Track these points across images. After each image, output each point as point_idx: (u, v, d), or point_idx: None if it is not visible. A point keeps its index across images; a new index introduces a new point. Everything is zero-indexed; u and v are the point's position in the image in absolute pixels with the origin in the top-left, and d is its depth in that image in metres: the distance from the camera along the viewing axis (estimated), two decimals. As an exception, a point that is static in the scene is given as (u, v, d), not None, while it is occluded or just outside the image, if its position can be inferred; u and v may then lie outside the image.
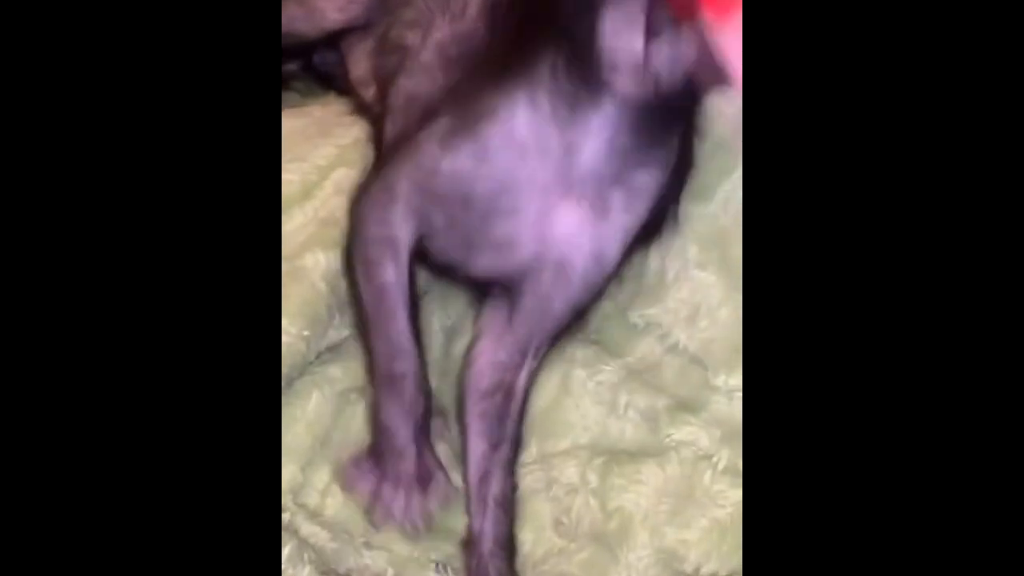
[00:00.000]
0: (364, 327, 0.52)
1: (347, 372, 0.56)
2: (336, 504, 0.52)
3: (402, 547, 0.52)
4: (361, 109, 0.63)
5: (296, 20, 0.62)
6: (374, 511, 0.51)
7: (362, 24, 0.63)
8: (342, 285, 0.54)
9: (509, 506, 0.51)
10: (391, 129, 0.57)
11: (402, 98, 0.58)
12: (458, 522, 0.52)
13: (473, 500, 0.51)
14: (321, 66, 0.69)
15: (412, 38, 0.58)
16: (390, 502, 0.50)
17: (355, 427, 0.54)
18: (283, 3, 0.61)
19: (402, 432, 0.50)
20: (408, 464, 0.50)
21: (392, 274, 0.50)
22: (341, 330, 0.56)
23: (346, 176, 0.56)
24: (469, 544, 0.51)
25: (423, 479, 0.50)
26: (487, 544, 0.50)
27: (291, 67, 0.67)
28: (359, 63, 0.63)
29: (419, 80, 0.57)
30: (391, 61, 0.60)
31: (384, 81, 0.60)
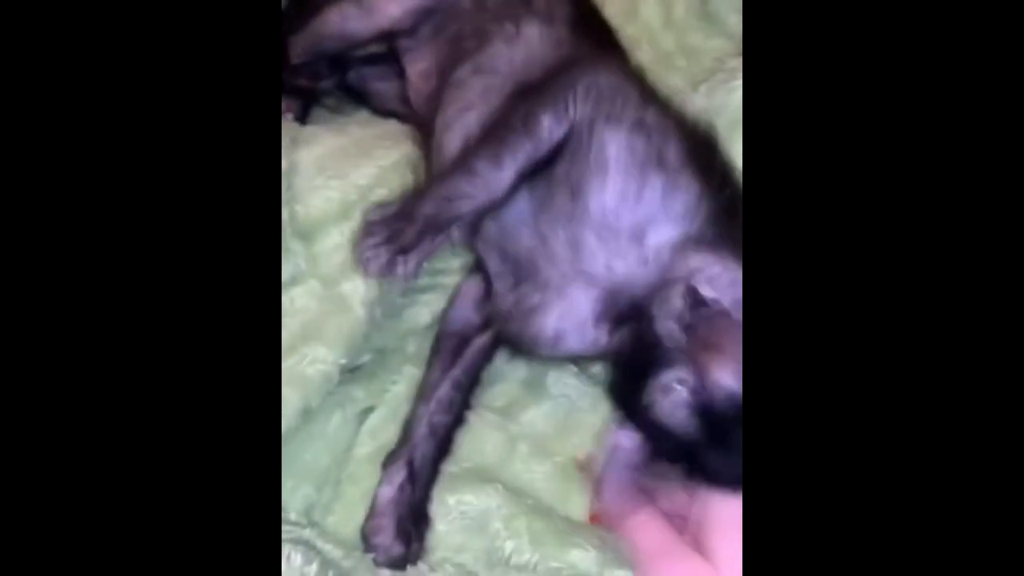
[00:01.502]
0: None
1: (369, 393, 0.57)
2: (351, 523, 0.53)
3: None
4: (405, 115, 0.63)
5: (351, 19, 0.62)
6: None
7: (418, 25, 0.64)
8: (377, 310, 0.55)
9: (445, 437, 0.56)
10: (447, 145, 0.58)
11: (477, 94, 0.58)
12: (473, 540, 0.54)
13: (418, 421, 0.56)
14: (356, 82, 0.69)
15: (498, 27, 0.59)
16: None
17: (373, 444, 0.55)
18: (339, 2, 0.62)
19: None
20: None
21: None
22: (364, 353, 0.57)
23: (385, 197, 0.57)
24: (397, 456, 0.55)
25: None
26: (416, 462, 0.54)
27: (325, 84, 0.68)
28: (422, 56, 0.63)
29: (497, 76, 0.58)
30: (468, 45, 0.60)
31: (449, 72, 0.60)
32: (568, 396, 0.57)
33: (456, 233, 0.53)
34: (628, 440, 0.49)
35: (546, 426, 0.57)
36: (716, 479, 0.46)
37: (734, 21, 0.66)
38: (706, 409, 0.44)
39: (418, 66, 0.63)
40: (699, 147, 0.51)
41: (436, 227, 0.51)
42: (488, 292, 0.56)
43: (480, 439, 0.56)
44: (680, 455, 0.46)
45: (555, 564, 0.51)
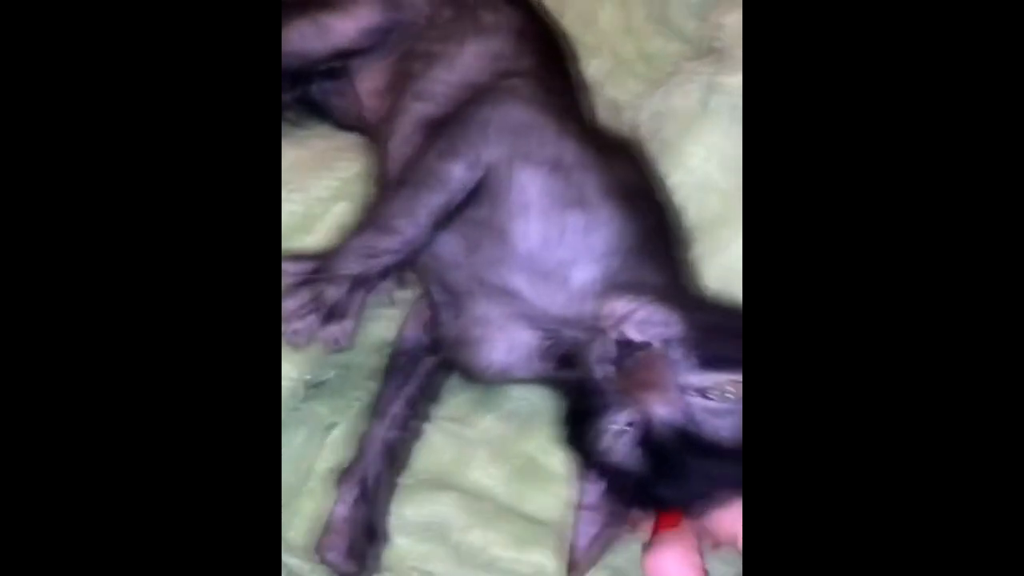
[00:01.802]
0: None
1: (333, 409, 0.57)
2: (310, 536, 0.53)
3: None
4: (363, 129, 0.63)
5: (307, 38, 0.62)
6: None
7: (374, 45, 0.63)
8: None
9: (399, 454, 0.56)
10: (396, 154, 0.58)
11: (412, 123, 0.58)
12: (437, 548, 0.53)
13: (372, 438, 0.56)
14: (318, 95, 0.69)
15: (441, 48, 0.59)
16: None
17: (334, 460, 0.55)
18: (294, 22, 0.61)
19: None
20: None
21: None
22: (328, 369, 0.57)
23: (347, 210, 0.57)
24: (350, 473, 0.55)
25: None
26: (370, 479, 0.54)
27: (285, 97, 0.68)
28: (373, 76, 0.63)
29: (432, 103, 0.58)
30: (414, 68, 0.60)
31: (398, 94, 0.60)
32: (528, 399, 0.58)
33: (388, 285, 0.53)
34: (592, 495, 0.49)
35: (505, 429, 0.57)
36: (667, 505, 0.47)
37: (692, 26, 0.66)
38: (656, 445, 0.44)
39: (368, 85, 0.63)
40: (622, 173, 0.51)
41: (363, 284, 0.51)
42: (434, 317, 0.56)
43: (437, 449, 0.56)
44: (635, 491, 0.47)
45: (518, 565, 0.52)
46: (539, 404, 0.57)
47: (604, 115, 0.66)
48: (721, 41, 0.56)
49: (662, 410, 0.44)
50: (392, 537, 0.54)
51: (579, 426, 0.48)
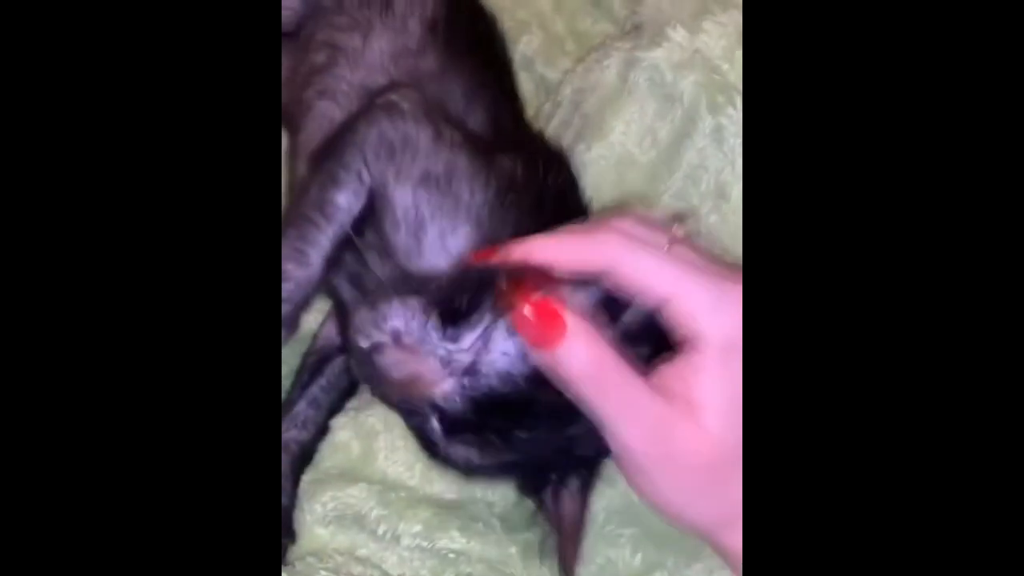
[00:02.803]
0: None
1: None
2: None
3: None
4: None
5: None
6: None
7: (291, 30, 0.62)
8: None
9: (300, 454, 0.55)
10: (304, 152, 0.56)
11: (317, 122, 0.57)
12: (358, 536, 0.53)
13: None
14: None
15: (346, 41, 0.57)
16: None
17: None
18: None
19: None
20: None
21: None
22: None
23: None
24: None
25: None
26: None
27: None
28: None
29: (334, 104, 0.56)
30: (318, 59, 0.58)
31: (302, 85, 0.59)
32: None
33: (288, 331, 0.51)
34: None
35: None
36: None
37: (618, 5, 0.67)
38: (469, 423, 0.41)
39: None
40: (511, 173, 0.49)
41: None
42: (342, 318, 0.54)
43: (344, 443, 0.55)
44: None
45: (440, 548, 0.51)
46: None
47: (534, 94, 0.66)
48: (639, 15, 0.56)
49: (439, 391, 0.41)
50: (312, 529, 0.52)
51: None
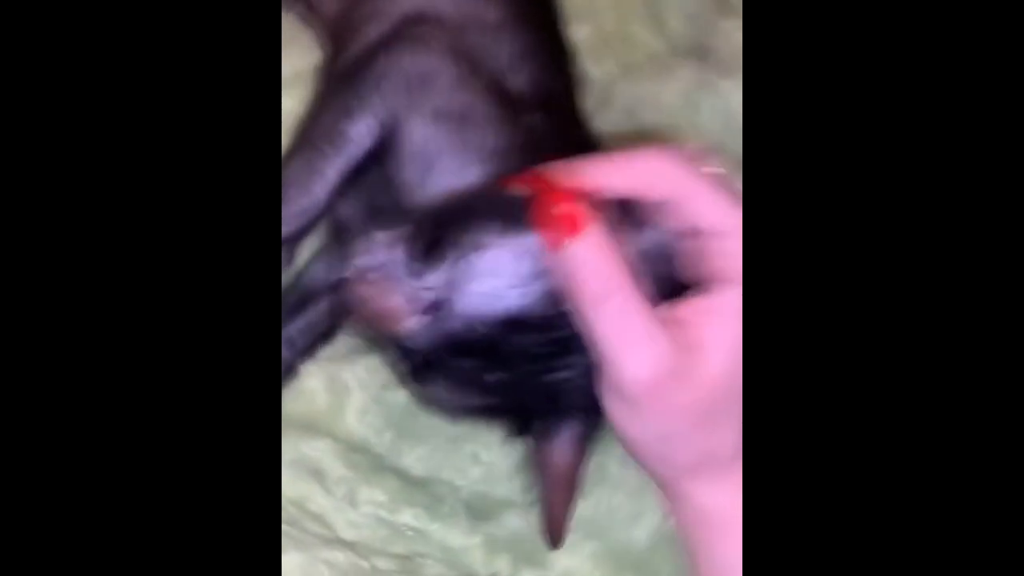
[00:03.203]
0: None
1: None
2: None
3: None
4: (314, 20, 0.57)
5: None
6: None
7: None
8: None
9: None
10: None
11: (360, 41, 0.53)
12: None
13: None
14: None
15: None
16: None
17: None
18: None
19: None
20: None
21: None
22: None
23: (291, 109, 0.52)
24: None
25: None
26: None
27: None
28: None
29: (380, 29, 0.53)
30: None
31: (353, 4, 0.55)
32: None
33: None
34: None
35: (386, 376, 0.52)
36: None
37: (676, 23, 0.66)
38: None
39: None
40: (532, 128, 0.48)
41: None
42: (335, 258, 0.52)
43: (310, 391, 0.52)
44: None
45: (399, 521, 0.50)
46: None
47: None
48: (708, 41, 0.56)
49: (408, 327, 0.39)
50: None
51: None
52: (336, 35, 0.55)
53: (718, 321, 0.36)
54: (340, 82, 0.50)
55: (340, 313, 0.46)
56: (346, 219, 0.50)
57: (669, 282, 0.38)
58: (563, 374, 0.39)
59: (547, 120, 0.49)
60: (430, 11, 0.52)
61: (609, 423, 0.38)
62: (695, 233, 0.37)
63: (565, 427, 0.43)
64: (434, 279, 0.39)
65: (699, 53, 0.57)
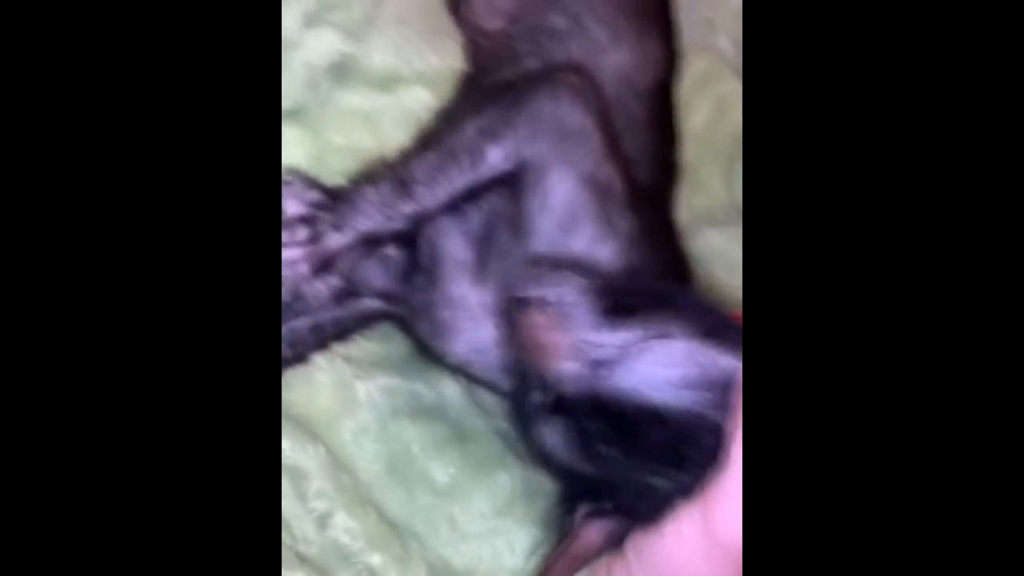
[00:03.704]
0: None
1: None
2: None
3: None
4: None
5: None
6: None
7: None
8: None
9: None
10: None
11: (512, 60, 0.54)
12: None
13: None
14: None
15: (596, 31, 0.55)
16: None
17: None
18: None
19: None
20: None
21: None
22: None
23: (423, 104, 0.51)
24: None
25: None
26: None
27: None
28: None
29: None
30: (556, 20, 0.55)
31: (519, 31, 0.55)
32: (442, 392, 0.52)
33: (391, 251, 0.49)
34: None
35: (394, 403, 0.50)
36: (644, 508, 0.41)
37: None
38: (573, 418, 0.40)
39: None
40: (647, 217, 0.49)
41: (368, 243, 0.47)
42: (406, 268, 0.51)
43: (317, 385, 0.49)
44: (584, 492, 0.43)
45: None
46: (452, 401, 0.52)
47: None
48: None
49: (561, 369, 0.40)
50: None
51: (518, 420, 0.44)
52: (492, 51, 0.55)
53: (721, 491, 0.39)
54: (490, 100, 0.49)
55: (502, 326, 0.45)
56: (441, 238, 0.49)
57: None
58: (661, 482, 0.40)
59: (656, 210, 0.52)
60: (593, 72, 0.52)
61: (658, 545, 0.40)
62: None
63: (607, 521, 0.43)
64: (611, 339, 0.40)
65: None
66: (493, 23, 0.56)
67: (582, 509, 0.44)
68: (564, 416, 0.41)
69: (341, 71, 0.52)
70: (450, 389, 0.52)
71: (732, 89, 0.67)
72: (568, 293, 0.41)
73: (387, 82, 0.52)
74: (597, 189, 0.47)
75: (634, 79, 0.55)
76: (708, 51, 0.69)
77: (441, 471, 0.50)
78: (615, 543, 0.43)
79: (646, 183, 0.53)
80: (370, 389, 0.50)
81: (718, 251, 0.59)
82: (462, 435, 0.51)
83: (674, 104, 0.59)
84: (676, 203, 0.58)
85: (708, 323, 0.41)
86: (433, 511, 0.49)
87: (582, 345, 0.40)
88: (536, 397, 0.42)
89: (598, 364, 0.40)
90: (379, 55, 0.52)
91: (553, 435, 0.42)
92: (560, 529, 0.44)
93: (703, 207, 0.63)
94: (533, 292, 0.41)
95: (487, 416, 0.52)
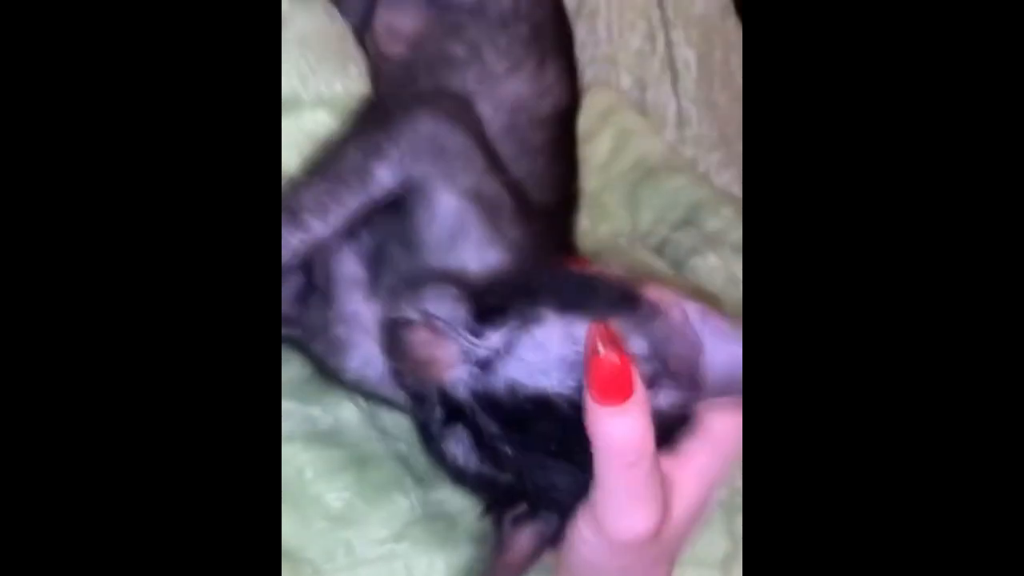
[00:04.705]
0: None
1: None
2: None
3: None
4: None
5: None
6: None
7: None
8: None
9: None
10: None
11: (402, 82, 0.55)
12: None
13: None
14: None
15: (493, 59, 0.56)
16: None
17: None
18: None
19: None
20: None
21: None
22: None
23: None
24: None
25: None
26: None
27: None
28: (404, 15, 0.58)
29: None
30: (456, 50, 0.56)
31: (420, 60, 0.56)
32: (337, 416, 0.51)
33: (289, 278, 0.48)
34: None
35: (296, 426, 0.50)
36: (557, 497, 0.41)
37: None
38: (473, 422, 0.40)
39: (395, 20, 0.58)
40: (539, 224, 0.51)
41: None
42: (300, 291, 0.51)
43: None
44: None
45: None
46: (349, 425, 0.51)
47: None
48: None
49: (451, 378, 0.41)
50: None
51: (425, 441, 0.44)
52: (391, 76, 0.56)
53: (685, 480, 0.40)
54: (377, 121, 0.49)
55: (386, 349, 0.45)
56: (334, 259, 0.49)
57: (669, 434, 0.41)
58: (561, 476, 0.40)
59: (550, 230, 0.53)
60: (481, 105, 0.54)
61: (569, 545, 0.41)
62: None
63: (535, 523, 0.43)
64: (492, 339, 0.41)
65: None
66: (394, 49, 0.57)
67: (508, 516, 0.44)
68: (463, 423, 0.41)
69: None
70: (348, 412, 0.52)
71: (633, 122, 0.70)
72: (444, 305, 0.42)
73: (288, 106, 0.51)
74: (483, 202, 0.48)
75: (531, 107, 0.57)
76: (609, 87, 0.72)
77: (335, 496, 0.49)
78: (549, 543, 0.43)
79: (540, 203, 0.54)
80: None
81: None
82: (359, 459, 0.50)
83: (573, 134, 0.61)
84: (573, 226, 0.59)
85: (571, 292, 0.42)
86: (328, 536, 0.48)
87: (467, 350, 0.41)
88: (436, 413, 0.42)
89: (484, 364, 0.41)
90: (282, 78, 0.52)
91: (458, 446, 0.42)
92: (493, 542, 0.44)
93: (606, 233, 0.64)
94: (410, 311, 0.42)
95: (386, 439, 0.51)
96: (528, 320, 0.41)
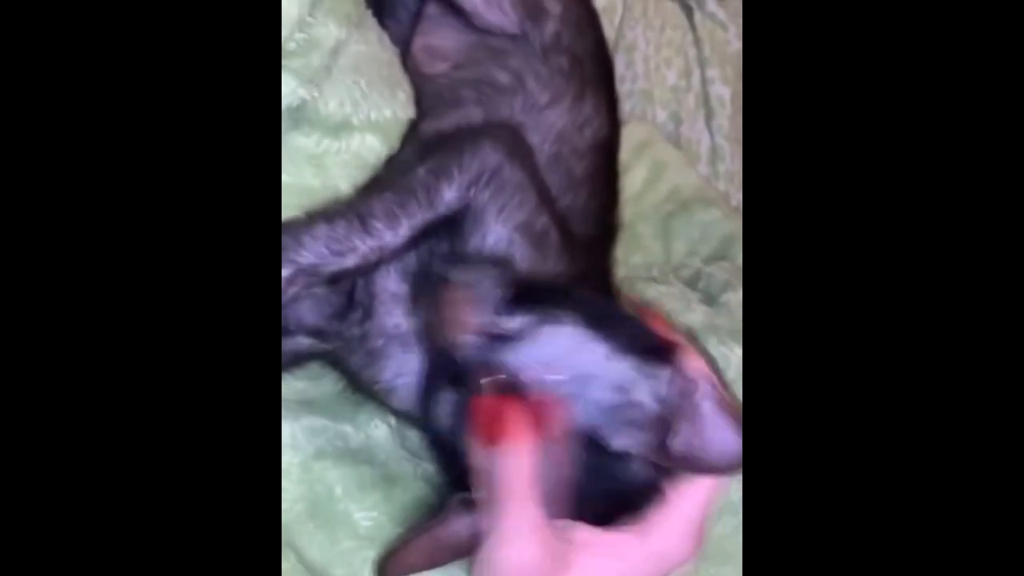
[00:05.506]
0: None
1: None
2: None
3: None
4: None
5: None
6: None
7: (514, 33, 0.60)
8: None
9: None
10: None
11: (456, 114, 0.56)
12: None
13: None
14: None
15: (536, 89, 0.58)
16: None
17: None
18: None
19: None
20: None
21: None
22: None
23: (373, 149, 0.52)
24: None
25: None
26: None
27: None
28: (439, 33, 0.60)
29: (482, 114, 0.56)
30: (500, 77, 0.57)
31: (463, 79, 0.57)
32: (370, 434, 0.51)
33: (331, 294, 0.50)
34: None
35: (315, 443, 0.49)
36: None
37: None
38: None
39: (430, 40, 0.60)
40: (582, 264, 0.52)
41: (312, 279, 0.46)
42: (339, 308, 0.51)
43: None
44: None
45: None
46: (379, 443, 0.52)
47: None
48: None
49: (463, 342, 0.43)
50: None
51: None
52: (435, 94, 0.57)
53: (622, 551, 0.42)
54: (443, 144, 0.51)
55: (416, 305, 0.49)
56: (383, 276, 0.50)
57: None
58: None
59: (590, 260, 0.54)
60: (530, 135, 0.55)
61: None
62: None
63: (477, 516, 0.43)
64: (512, 323, 0.44)
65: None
66: (434, 67, 0.59)
67: (457, 497, 0.44)
68: (458, 387, 0.44)
69: (297, 115, 0.52)
70: (379, 431, 0.52)
71: (668, 155, 0.70)
72: (483, 280, 0.45)
73: (339, 129, 0.52)
74: (531, 236, 0.50)
75: (572, 139, 0.58)
76: (645, 121, 0.72)
77: (364, 515, 0.49)
78: (480, 541, 0.43)
79: (582, 235, 0.55)
80: (294, 429, 0.49)
81: (652, 306, 0.60)
82: (388, 478, 0.50)
83: (615, 166, 0.61)
84: (611, 256, 0.59)
85: (597, 312, 0.45)
86: (354, 556, 0.48)
87: (486, 324, 0.44)
88: (435, 371, 0.45)
89: (494, 340, 0.44)
90: (334, 103, 0.52)
91: (445, 408, 0.45)
92: (434, 512, 0.45)
93: (639, 264, 0.64)
94: (454, 272, 0.46)
95: (414, 460, 0.51)
96: (549, 319, 0.44)
